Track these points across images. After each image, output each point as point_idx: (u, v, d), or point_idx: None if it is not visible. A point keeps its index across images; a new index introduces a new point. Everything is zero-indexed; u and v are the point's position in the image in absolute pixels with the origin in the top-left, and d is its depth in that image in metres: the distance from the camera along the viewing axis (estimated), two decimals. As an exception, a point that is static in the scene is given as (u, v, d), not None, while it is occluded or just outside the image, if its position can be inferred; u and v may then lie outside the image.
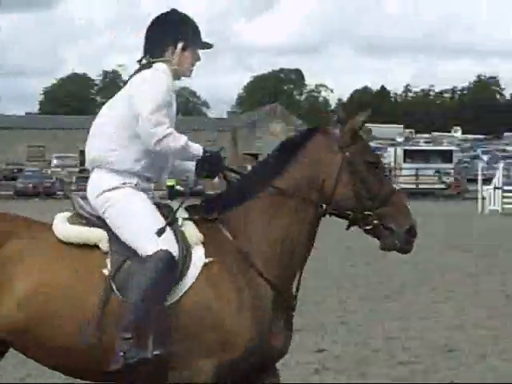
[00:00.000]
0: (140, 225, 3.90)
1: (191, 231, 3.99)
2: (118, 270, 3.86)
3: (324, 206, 3.97)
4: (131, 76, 4.16)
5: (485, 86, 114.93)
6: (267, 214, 3.96)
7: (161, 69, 4.08)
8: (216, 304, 3.81)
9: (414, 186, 38.57)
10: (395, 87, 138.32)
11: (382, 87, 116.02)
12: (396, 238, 3.87)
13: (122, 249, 3.92)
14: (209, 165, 4.04)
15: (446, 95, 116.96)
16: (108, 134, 4.05)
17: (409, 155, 41.21)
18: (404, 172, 40.59)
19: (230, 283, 3.85)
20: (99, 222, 4.03)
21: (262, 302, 3.88)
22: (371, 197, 3.90)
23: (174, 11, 4.22)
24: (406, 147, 44.84)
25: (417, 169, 39.31)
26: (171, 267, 3.79)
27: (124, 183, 4.03)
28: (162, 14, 4.21)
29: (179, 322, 3.79)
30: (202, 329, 3.78)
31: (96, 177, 4.10)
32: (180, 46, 4.13)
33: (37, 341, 3.87)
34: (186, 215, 4.07)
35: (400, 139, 57.84)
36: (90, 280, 3.87)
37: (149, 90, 3.95)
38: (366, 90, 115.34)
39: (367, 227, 3.92)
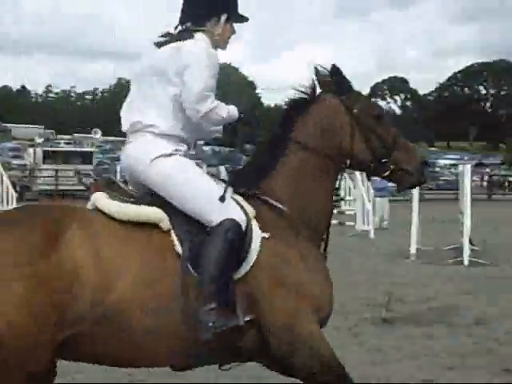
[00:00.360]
0: (202, 194, 3.82)
1: (245, 205, 3.94)
2: (188, 248, 3.73)
3: (347, 163, 4.19)
4: (168, 41, 4.01)
5: (124, 88, 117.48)
6: (299, 179, 4.07)
7: (202, 39, 4.01)
8: (290, 272, 3.82)
9: (53, 187, 38.08)
10: (36, 87, 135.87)
11: (23, 86, 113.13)
12: (413, 177, 4.21)
13: (184, 224, 3.80)
14: (245, 127, 4.11)
15: (87, 97, 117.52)
16: (156, 101, 3.94)
17: (48, 156, 40.62)
18: (44, 173, 39.60)
19: (292, 252, 3.88)
20: (147, 198, 3.86)
21: (322, 264, 4.03)
22: (384, 145, 4.16)
23: None
24: (46, 148, 44.13)
25: (56, 170, 38.67)
26: (240, 236, 3.76)
27: (176, 150, 3.90)
28: None
29: (255, 294, 3.75)
30: (284, 297, 3.77)
31: (143, 141, 3.90)
32: (224, 17, 4.09)
33: (116, 332, 3.58)
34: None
35: (40, 140, 56.67)
36: (164, 261, 3.70)
37: (197, 63, 3.88)
38: (6, 89, 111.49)
39: (386, 173, 4.21)
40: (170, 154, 3.89)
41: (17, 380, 3.44)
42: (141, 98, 4.01)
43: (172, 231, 3.79)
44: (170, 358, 3.84)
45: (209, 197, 3.83)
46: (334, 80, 4.19)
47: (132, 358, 3.76)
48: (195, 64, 3.89)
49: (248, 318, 3.70)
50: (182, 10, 4.15)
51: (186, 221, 3.82)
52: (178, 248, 3.74)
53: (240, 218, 3.82)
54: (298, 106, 4.19)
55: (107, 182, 4.00)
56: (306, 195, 4.07)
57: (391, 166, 4.18)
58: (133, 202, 3.85)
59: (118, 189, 3.92)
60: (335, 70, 4.20)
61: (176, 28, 4.13)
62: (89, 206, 3.94)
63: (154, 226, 3.79)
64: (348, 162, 4.20)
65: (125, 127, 4.04)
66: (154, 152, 3.87)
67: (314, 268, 3.93)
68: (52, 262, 3.47)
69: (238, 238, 3.76)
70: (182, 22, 4.13)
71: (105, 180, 4.02)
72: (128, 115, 4.04)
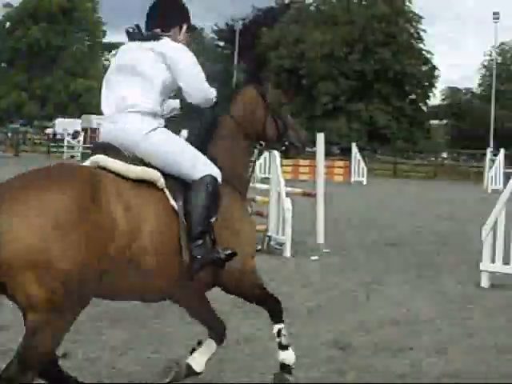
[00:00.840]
0: (188, 156, 4.61)
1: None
2: (182, 204, 4.48)
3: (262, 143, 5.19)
4: (141, 39, 4.67)
5: None
6: (231, 152, 4.96)
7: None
8: (239, 222, 4.82)
9: None
10: None
11: None
12: (299, 150, 5.29)
13: (173, 183, 4.53)
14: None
15: None
16: (139, 86, 4.56)
17: None
18: None
19: (240, 203, 4.95)
20: (140, 162, 4.49)
21: (246, 210, 5.19)
22: (284, 126, 5.17)
23: None
24: None
25: None
26: (217, 188, 4.60)
27: (159, 124, 4.64)
28: None
29: (223, 235, 4.64)
30: (236, 239, 4.71)
31: (133, 120, 4.52)
32: (185, 27, 4.84)
33: (133, 270, 4.19)
34: None
35: None
36: (166, 214, 4.41)
37: (191, 58, 4.66)
38: None
39: (283, 148, 5.27)
40: (156, 128, 4.58)
41: (76, 306, 3.98)
42: (123, 85, 4.60)
43: (165, 189, 4.47)
44: (169, 291, 4.62)
45: (193, 158, 4.62)
46: (254, 77, 5.33)
47: (142, 292, 4.45)
48: (189, 59, 4.66)
49: (228, 252, 4.53)
50: (150, 18, 4.80)
51: (174, 181, 4.55)
52: (173, 203, 4.46)
53: (217, 173, 4.65)
54: (229, 98, 5.10)
55: (107, 146, 4.53)
56: (235, 161, 4.98)
57: (286, 143, 5.22)
58: (136, 165, 4.45)
59: (116, 153, 4.48)
60: (254, 71, 4.99)
61: (141, 32, 4.76)
62: (87, 164, 4.45)
63: (151, 184, 4.42)
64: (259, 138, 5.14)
65: (108, 111, 4.62)
66: (146, 128, 4.53)
67: (246, 214, 5.06)
68: (102, 212, 4.00)
69: (216, 190, 4.58)
70: (149, 28, 4.76)
71: (104, 144, 4.57)
72: (111, 101, 4.63)
